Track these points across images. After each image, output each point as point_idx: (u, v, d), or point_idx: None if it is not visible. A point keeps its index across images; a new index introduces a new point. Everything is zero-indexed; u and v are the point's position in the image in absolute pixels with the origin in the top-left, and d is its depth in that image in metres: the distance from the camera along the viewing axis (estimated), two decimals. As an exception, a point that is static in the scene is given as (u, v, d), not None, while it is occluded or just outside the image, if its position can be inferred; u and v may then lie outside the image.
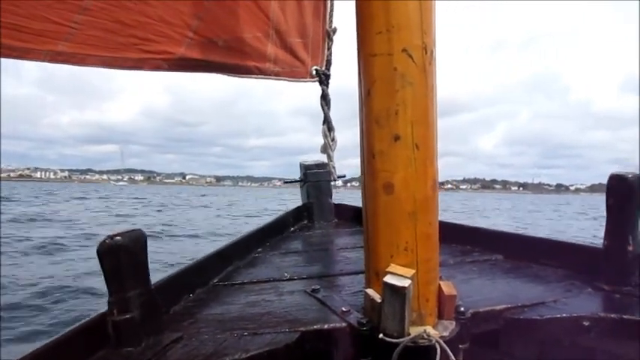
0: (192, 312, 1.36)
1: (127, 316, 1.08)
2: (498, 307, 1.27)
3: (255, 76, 2.04)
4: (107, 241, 1.07)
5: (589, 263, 1.52)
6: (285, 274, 1.73)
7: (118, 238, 1.07)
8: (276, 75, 2.12)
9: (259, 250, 2.18)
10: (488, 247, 1.96)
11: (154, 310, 1.16)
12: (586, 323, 1.21)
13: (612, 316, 1.22)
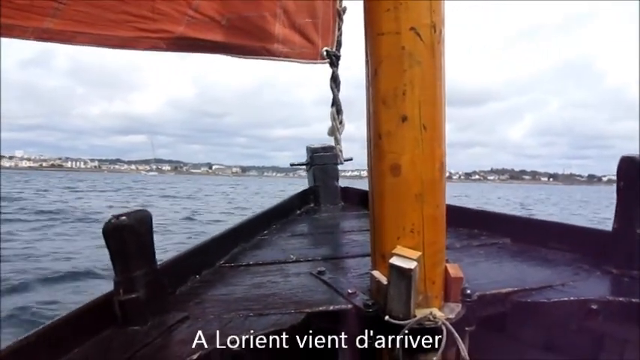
0: (198, 292, 1.37)
1: (133, 295, 1.10)
2: (505, 290, 1.26)
3: (263, 57, 1.99)
4: (112, 221, 1.08)
5: (597, 247, 1.51)
6: (291, 256, 1.73)
7: (124, 218, 1.08)
8: (285, 56, 2.07)
9: (265, 232, 2.19)
10: (495, 230, 1.94)
11: (159, 290, 1.17)
12: (594, 307, 1.20)
13: (620, 299, 1.21)
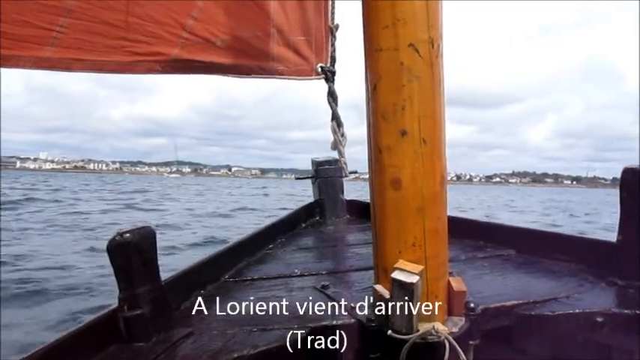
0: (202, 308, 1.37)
1: (137, 312, 1.10)
2: (509, 303, 1.26)
3: (259, 75, 2.02)
4: (116, 238, 1.08)
5: (602, 258, 1.51)
6: (296, 271, 1.73)
7: (128, 235, 1.08)
8: (281, 74, 2.10)
9: (270, 246, 2.19)
10: (500, 242, 1.94)
11: (163, 307, 1.17)
12: (599, 319, 1.20)
13: (626, 311, 1.21)
